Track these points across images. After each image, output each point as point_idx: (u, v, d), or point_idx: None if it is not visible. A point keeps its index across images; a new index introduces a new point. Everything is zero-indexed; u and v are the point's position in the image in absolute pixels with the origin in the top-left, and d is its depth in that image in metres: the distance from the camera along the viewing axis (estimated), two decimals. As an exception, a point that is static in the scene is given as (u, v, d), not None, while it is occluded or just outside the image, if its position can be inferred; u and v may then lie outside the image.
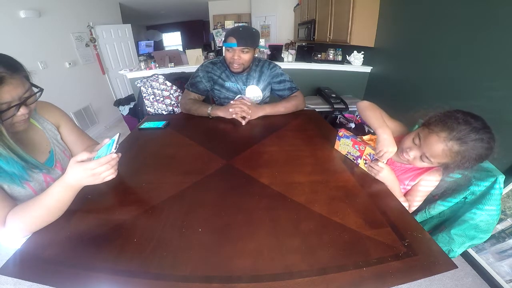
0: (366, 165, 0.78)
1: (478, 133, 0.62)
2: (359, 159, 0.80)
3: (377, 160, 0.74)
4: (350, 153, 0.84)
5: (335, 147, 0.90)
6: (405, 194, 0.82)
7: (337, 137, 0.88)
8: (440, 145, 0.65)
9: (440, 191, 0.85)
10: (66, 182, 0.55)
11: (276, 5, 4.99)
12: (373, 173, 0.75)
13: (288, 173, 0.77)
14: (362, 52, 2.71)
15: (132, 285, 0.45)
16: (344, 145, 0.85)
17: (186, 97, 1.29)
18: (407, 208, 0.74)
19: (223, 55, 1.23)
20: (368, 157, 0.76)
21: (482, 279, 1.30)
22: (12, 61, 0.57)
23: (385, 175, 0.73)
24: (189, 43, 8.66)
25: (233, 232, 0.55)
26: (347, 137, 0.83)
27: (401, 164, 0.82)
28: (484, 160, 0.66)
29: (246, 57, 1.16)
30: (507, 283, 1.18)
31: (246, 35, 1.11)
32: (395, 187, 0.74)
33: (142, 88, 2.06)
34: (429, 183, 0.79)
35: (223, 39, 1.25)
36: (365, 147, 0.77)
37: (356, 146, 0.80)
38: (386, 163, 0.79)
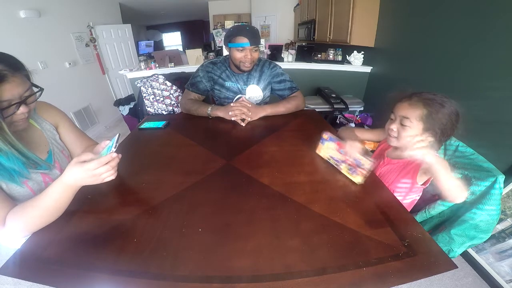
0: (351, 169, 0.73)
1: (421, 91, 0.77)
2: (342, 163, 0.76)
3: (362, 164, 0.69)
4: (333, 157, 0.79)
5: (317, 151, 0.86)
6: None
7: (321, 140, 0.83)
8: (405, 103, 0.76)
9: (440, 191, 0.85)
10: (64, 182, 0.55)
11: (276, 5, 5.00)
12: (414, 155, 0.63)
13: (288, 173, 0.77)
14: (362, 52, 2.71)
15: (132, 285, 0.45)
16: (328, 148, 0.81)
17: (186, 97, 1.29)
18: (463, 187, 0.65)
19: (224, 55, 1.23)
20: (353, 161, 0.72)
21: (482, 279, 1.29)
22: (14, 60, 0.58)
23: (425, 152, 0.62)
24: (189, 43, 8.66)
25: (233, 232, 0.55)
26: (333, 140, 0.79)
27: (397, 161, 0.83)
28: (456, 116, 0.73)
29: (256, 55, 1.18)
30: (507, 283, 1.18)
31: (256, 34, 1.13)
32: (443, 165, 0.63)
33: (142, 88, 2.06)
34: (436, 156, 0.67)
35: (223, 39, 1.25)
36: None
37: (341, 150, 0.75)
38: (385, 162, 0.78)
